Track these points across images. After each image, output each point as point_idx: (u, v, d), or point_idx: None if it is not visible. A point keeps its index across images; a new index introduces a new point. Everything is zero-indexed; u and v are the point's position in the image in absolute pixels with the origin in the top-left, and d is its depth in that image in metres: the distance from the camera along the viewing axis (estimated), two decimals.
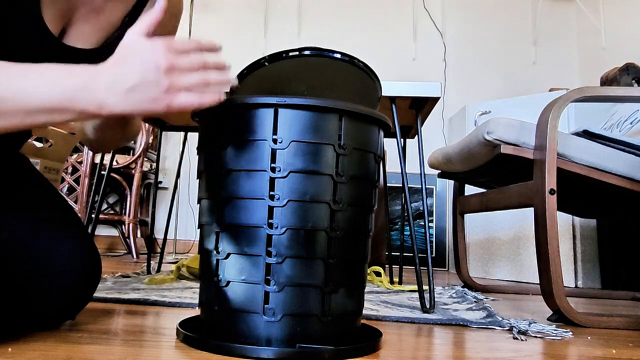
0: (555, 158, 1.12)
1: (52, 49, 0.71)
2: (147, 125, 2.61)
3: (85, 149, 2.68)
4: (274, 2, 3.42)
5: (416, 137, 1.43)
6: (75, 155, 2.70)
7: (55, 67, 0.59)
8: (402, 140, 1.50)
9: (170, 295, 1.13)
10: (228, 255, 0.68)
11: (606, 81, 2.23)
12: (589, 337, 0.93)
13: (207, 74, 0.61)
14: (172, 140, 3.32)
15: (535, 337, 0.89)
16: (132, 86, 0.57)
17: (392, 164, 2.94)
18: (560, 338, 0.90)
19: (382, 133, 0.77)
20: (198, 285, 1.38)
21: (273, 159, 0.66)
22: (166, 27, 0.85)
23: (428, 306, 1.10)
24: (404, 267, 2.75)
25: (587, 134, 1.27)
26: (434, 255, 2.96)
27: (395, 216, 2.98)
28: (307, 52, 0.97)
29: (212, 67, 0.63)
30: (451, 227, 2.09)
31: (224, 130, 0.70)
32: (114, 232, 3.15)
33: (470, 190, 2.10)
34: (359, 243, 0.72)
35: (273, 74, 0.99)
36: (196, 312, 0.99)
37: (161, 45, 0.59)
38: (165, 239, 1.76)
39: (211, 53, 0.63)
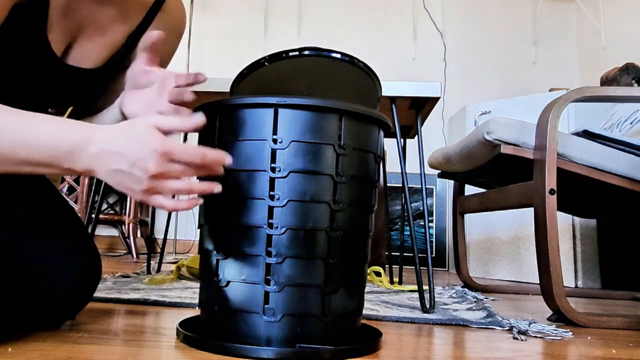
0: (555, 158, 1.12)
1: (54, 70, 0.71)
2: None
3: None
4: (274, 2, 3.42)
5: (416, 137, 1.43)
6: None
7: (51, 123, 0.58)
8: (402, 140, 1.50)
9: (170, 295, 1.13)
10: (228, 255, 0.68)
11: (606, 81, 2.23)
12: (589, 337, 0.93)
13: (192, 184, 0.60)
14: None
15: (535, 337, 0.89)
16: (117, 170, 0.57)
17: (392, 164, 2.94)
18: (560, 338, 0.90)
19: (382, 133, 0.77)
20: (198, 285, 1.38)
21: (273, 159, 0.66)
22: (169, 45, 0.85)
23: (428, 306, 1.10)
24: (404, 267, 2.75)
25: (587, 134, 1.27)
26: (434, 255, 2.96)
27: (395, 216, 2.98)
28: (307, 52, 0.97)
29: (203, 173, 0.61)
30: (451, 227, 2.09)
31: (223, 130, 0.70)
32: (114, 232, 3.15)
33: (470, 190, 2.10)
34: (359, 243, 0.72)
35: (273, 74, 0.99)
36: (196, 312, 0.99)
37: (160, 148, 0.56)
38: (165, 239, 1.76)
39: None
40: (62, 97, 0.77)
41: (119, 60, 0.80)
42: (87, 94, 0.81)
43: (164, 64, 0.86)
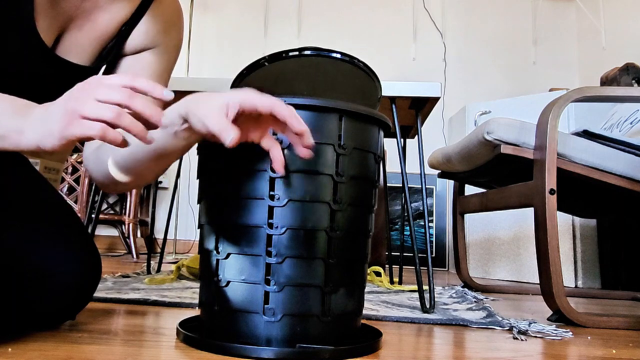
0: (555, 158, 1.12)
1: (44, 61, 0.70)
2: None
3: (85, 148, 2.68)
4: (274, 2, 3.42)
5: (416, 137, 1.43)
6: (75, 155, 2.70)
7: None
8: (402, 140, 1.51)
9: (170, 295, 1.13)
10: (228, 255, 0.68)
11: (606, 81, 2.23)
12: (589, 337, 0.93)
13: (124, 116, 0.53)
14: None
15: (535, 337, 0.89)
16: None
17: (392, 164, 2.94)
18: (560, 338, 0.90)
19: (382, 133, 0.77)
20: (198, 285, 1.38)
21: None
22: (170, 37, 0.84)
23: (428, 306, 1.10)
24: (404, 267, 2.75)
25: (587, 134, 1.27)
26: (434, 255, 2.96)
27: (395, 216, 2.98)
28: (307, 52, 0.97)
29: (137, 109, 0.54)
30: (451, 227, 2.09)
31: None
32: (114, 232, 3.16)
33: (470, 190, 2.10)
34: (359, 243, 0.72)
35: (273, 74, 0.99)
36: (196, 312, 0.99)
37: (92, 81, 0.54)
38: (165, 239, 1.77)
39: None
40: (54, 91, 0.76)
41: (113, 52, 0.79)
42: None
43: (170, 57, 0.86)
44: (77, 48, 0.74)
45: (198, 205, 0.76)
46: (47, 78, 0.73)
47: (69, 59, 0.74)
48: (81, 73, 0.76)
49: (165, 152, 0.68)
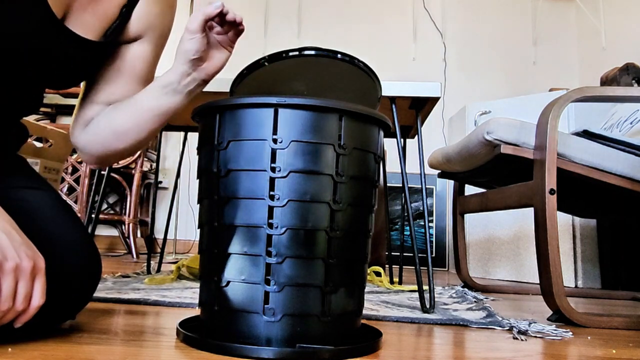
0: (555, 158, 1.12)
1: (57, 35, 0.71)
2: None
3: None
4: (274, 2, 3.42)
5: (416, 137, 1.43)
6: (75, 155, 2.70)
7: None
8: (402, 140, 1.50)
9: (170, 295, 1.13)
10: (228, 255, 0.68)
11: (606, 81, 2.24)
12: (589, 337, 0.93)
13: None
14: (172, 140, 3.33)
15: (535, 337, 0.89)
16: None
17: (392, 164, 2.94)
18: (560, 338, 0.90)
19: (382, 133, 0.77)
20: (198, 285, 1.38)
21: (273, 159, 0.66)
22: (164, 17, 0.85)
23: (428, 306, 1.10)
24: (404, 267, 2.75)
25: (587, 134, 1.27)
26: (434, 255, 2.96)
27: (395, 216, 2.98)
28: (307, 52, 0.97)
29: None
30: (451, 227, 2.09)
31: (224, 130, 0.70)
32: (114, 232, 3.16)
33: (470, 190, 2.10)
34: (359, 243, 0.72)
35: (273, 74, 0.99)
36: (196, 312, 0.99)
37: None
38: (165, 239, 1.77)
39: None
40: (61, 64, 0.77)
41: (116, 33, 0.80)
42: (93, 68, 0.81)
43: (162, 43, 0.88)
44: (82, 26, 0.75)
45: (198, 205, 0.76)
46: (56, 49, 0.74)
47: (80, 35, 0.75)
48: (89, 47, 0.77)
49: (163, 111, 0.78)
